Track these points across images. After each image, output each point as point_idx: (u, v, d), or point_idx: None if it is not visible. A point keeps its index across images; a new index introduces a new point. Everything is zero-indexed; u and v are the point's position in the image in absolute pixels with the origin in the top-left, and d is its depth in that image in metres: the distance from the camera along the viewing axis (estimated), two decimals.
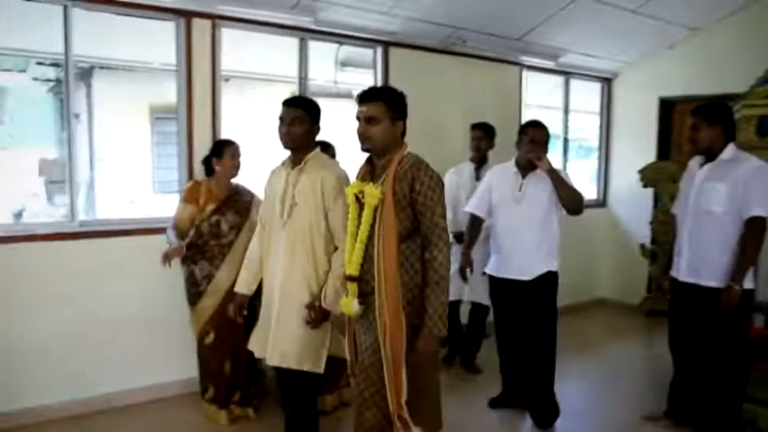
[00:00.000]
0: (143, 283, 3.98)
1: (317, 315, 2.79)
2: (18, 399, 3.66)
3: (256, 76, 6.09)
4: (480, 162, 4.61)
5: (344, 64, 5.42)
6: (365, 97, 2.48)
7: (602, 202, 6.92)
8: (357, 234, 2.48)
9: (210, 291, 3.64)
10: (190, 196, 3.71)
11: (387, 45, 5.01)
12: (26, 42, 5.87)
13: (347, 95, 6.59)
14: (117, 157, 7.03)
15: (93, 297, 3.86)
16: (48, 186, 7.11)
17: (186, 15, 4.06)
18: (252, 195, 3.81)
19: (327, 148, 3.86)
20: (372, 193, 2.41)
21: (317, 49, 4.78)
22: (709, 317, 3.34)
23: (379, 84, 5.01)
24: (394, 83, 4.99)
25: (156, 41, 4.69)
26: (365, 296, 2.48)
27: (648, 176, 5.04)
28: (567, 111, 6.63)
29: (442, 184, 2.47)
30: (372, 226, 2.43)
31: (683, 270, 3.50)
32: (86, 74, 6.75)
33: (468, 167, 4.63)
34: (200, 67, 4.12)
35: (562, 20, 5.17)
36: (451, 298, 4.15)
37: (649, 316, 6.07)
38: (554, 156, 6.57)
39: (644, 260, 5.31)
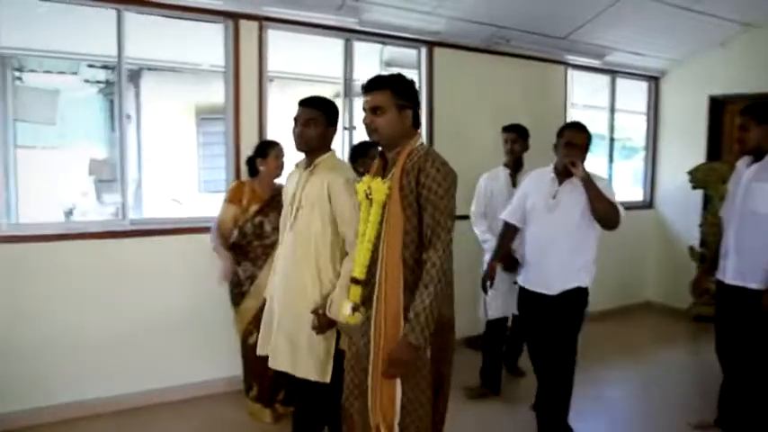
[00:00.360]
0: (189, 282, 4.05)
1: (322, 322, 2.62)
2: (64, 393, 3.77)
3: (300, 77, 6.13)
4: (515, 166, 4.31)
5: (389, 64, 5.43)
6: (370, 86, 2.30)
7: (648, 204, 6.77)
8: (365, 233, 2.32)
9: (253, 291, 3.67)
10: (233, 197, 3.75)
11: (431, 45, 5.00)
12: (78, 45, 6.04)
13: None
14: (163, 157, 7.17)
15: (141, 294, 3.95)
16: (97, 185, 7.29)
17: (234, 17, 4.13)
18: None
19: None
20: (379, 187, 2.26)
21: (360, 49, 4.80)
22: (755, 321, 3.25)
23: (424, 85, 5.01)
24: (438, 83, 5.00)
25: (202, 43, 4.79)
26: (371, 302, 2.29)
27: (699, 178, 4.94)
28: (613, 110, 6.50)
29: (454, 180, 2.25)
30: (381, 224, 2.27)
31: (729, 273, 3.41)
32: (135, 75, 6.91)
33: (504, 173, 4.32)
34: (247, 68, 4.18)
35: (609, 17, 5.07)
36: (497, 315, 4.19)
37: (697, 321, 5.93)
38: (599, 157, 6.48)
39: (693, 263, 5.19)
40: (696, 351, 5.46)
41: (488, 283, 3.60)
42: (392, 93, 2.26)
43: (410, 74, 5.05)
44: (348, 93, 4.72)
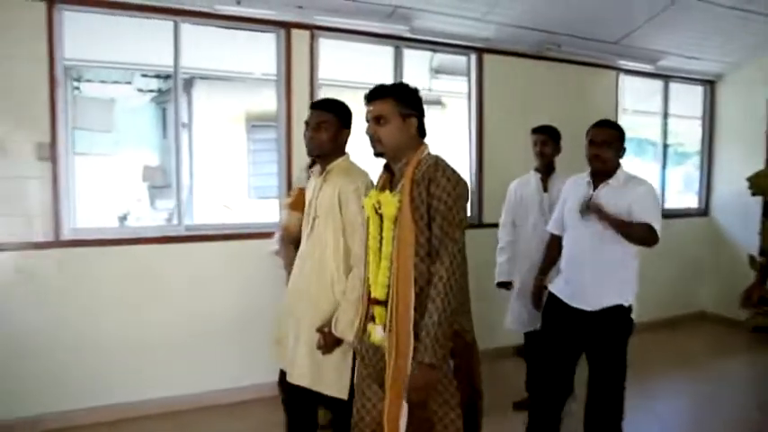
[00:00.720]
0: (241, 286, 4.12)
1: (328, 341, 2.51)
2: (122, 392, 3.88)
3: (349, 84, 6.17)
4: (547, 170, 4.02)
5: (438, 71, 5.43)
6: (372, 95, 2.21)
7: (703, 211, 6.59)
8: (381, 250, 2.19)
9: None
10: (296, 204, 3.76)
11: (480, 51, 4.98)
12: (133, 56, 6.23)
13: (436, 102, 6.63)
14: (214, 164, 7.32)
15: (195, 297, 4.03)
16: (150, 191, 7.48)
17: (286, 27, 4.20)
18: None
19: None
20: (389, 201, 2.15)
21: (410, 56, 4.82)
22: None
23: (473, 91, 4.99)
24: (488, 89, 4.98)
25: (254, 52, 4.88)
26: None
27: (758, 184, 4.78)
28: (666, 116, 6.35)
29: (465, 190, 2.14)
30: (392, 240, 2.16)
31: None
32: (188, 84, 7.06)
33: (534, 177, 4.04)
34: (298, 76, 4.25)
35: (662, 21, 4.97)
36: (535, 327, 4.09)
37: (755, 332, 5.73)
38: (651, 163, 6.35)
39: (752, 272, 5.01)
40: (754, 363, 5.29)
41: (537, 303, 3.49)
42: (395, 101, 2.18)
43: (460, 81, 5.15)
44: None
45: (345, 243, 2.54)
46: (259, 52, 4.56)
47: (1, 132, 3.56)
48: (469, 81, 5.05)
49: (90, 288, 3.78)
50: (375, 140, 2.19)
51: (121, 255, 3.89)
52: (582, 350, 3.09)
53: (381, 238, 2.19)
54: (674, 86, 6.35)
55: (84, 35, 4.17)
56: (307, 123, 2.67)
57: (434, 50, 4.95)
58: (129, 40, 5.23)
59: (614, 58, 5.53)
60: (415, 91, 2.25)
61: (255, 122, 7.27)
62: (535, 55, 5.19)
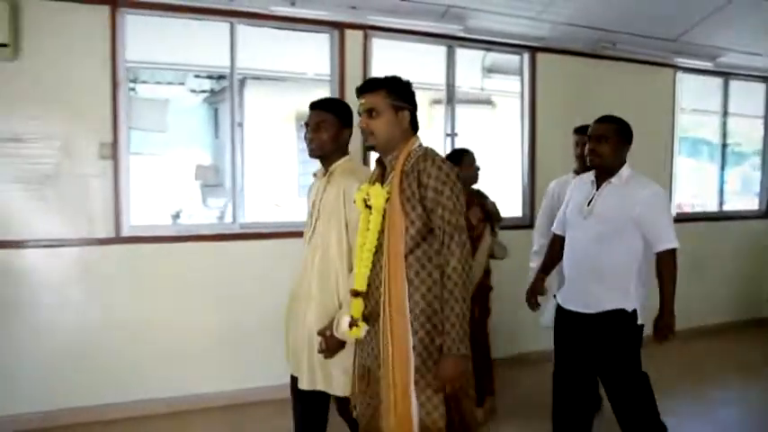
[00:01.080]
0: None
1: (330, 344, 2.43)
2: (172, 387, 3.96)
3: None
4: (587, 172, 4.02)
5: (490, 70, 5.39)
6: (364, 88, 2.21)
7: (764, 213, 6.36)
8: (365, 243, 2.20)
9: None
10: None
11: (534, 50, 4.92)
12: (187, 57, 6.37)
13: (486, 102, 6.57)
14: (264, 162, 7.42)
15: (248, 294, 4.09)
16: (202, 190, 7.63)
17: (340, 27, 4.23)
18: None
19: (465, 155, 3.76)
20: (378, 193, 2.14)
21: (462, 55, 4.80)
22: None
23: (526, 91, 4.94)
24: (541, 89, 4.92)
25: (304, 52, 4.93)
26: (376, 317, 2.18)
27: None
28: (725, 114, 6.16)
29: (456, 178, 2.11)
30: (381, 232, 2.15)
31: None
32: (240, 84, 7.18)
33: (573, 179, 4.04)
34: (351, 76, 4.26)
35: (723, 17, 4.83)
36: None
37: None
38: (709, 164, 6.17)
39: None
40: None
41: (532, 300, 3.31)
42: (387, 93, 2.17)
43: (511, 80, 5.09)
44: (451, 100, 4.72)
45: (349, 243, 2.48)
46: (311, 52, 4.61)
47: (66, 132, 3.68)
48: (522, 80, 5.00)
49: (148, 284, 3.88)
50: (367, 133, 2.18)
51: (178, 252, 3.98)
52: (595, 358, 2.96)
53: (368, 231, 2.20)
54: (735, 84, 6.15)
55: (141, 37, 4.28)
56: (306, 124, 2.61)
57: (487, 50, 4.92)
58: (183, 42, 5.35)
59: (672, 56, 5.40)
60: (408, 84, 2.23)
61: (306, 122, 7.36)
62: (590, 53, 5.10)
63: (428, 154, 2.14)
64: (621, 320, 2.83)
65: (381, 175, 2.25)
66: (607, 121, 2.96)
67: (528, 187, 4.95)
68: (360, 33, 4.28)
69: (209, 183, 7.63)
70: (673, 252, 2.80)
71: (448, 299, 2.04)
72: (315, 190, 2.67)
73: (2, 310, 3.60)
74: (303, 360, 2.56)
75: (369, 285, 2.22)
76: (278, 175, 7.51)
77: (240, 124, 4.23)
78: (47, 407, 3.67)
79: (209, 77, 8.27)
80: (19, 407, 3.62)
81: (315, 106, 2.61)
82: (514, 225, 4.69)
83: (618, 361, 2.87)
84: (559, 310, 3.08)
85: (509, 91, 5.31)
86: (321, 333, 2.46)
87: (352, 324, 2.23)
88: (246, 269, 4.09)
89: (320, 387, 2.54)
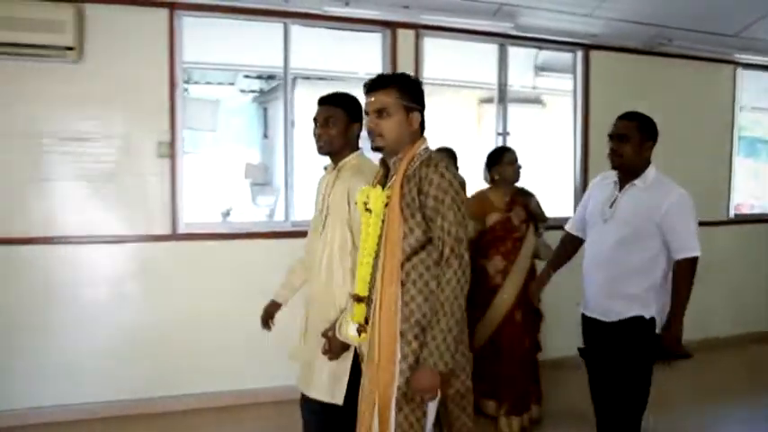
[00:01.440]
0: None
1: (333, 346, 2.35)
2: (224, 381, 4.01)
3: (448, 83, 6.18)
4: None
5: (542, 69, 5.33)
6: (373, 86, 2.05)
7: None
8: (366, 247, 2.12)
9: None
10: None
11: (587, 48, 4.84)
12: (238, 58, 6.47)
13: (536, 101, 6.50)
14: (312, 162, 7.49)
15: (300, 291, 4.11)
16: (252, 188, 7.75)
17: (392, 26, 4.25)
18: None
19: (504, 153, 3.72)
20: (377, 196, 2.05)
21: (513, 54, 4.75)
22: None
23: (579, 89, 4.86)
24: (594, 87, 4.84)
25: (354, 52, 4.95)
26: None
27: None
28: None
29: (459, 187, 2.01)
30: (381, 237, 2.05)
31: None
32: (291, 84, 7.26)
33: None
34: None
35: None
36: None
37: None
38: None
39: None
40: None
41: (534, 296, 3.25)
42: (399, 92, 2.03)
43: (563, 79, 5.02)
44: (502, 98, 4.69)
45: (354, 243, 2.37)
46: (362, 52, 4.63)
47: (125, 132, 3.79)
48: (575, 79, 4.92)
49: (202, 281, 3.96)
50: (376, 134, 2.04)
51: (230, 249, 4.05)
52: None
53: (368, 234, 2.11)
54: None
55: (194, 39, 4.37)
56: (315, 120, 2.51)
57: (540, 48, 4.87)
58: (234, 43, 5.44)
59: (732, 52, 5.23)
60: (419, 83, 2.11)
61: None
62: (645, 50, 4.98)
63: (431, 160, 2.02)
64: (638, 328, 2.69)
65: (385, 177, 2.14)
66: (628, 118, 2.79)
67: (580, 187, 4.86)
68: (411, 33, 4.29)
69: (258, 181, 7.75)
70: (693, 261, 2.63)
71: (437, 311, 1.93)
72: (324, 184, 2.59)
73: (62, 305, 3.73)
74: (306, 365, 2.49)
75: (370, 290, 2.12)
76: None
77: (293, 123, 4.28)
78: (106, 397, 3.78)
79: (259, 77, 8.37)
80: (80, 396, 3.75)
81: (323, 101, 2.52)
82: None
83: (626, 368, 2.72)
84: (583, 317, 2.95)
85: (561, 89, 5.25)
86: (324, 335, 2.39)
87: (361, 330, 2.16)
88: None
89: (302, 388, 2.49)
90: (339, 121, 2.45)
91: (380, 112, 2.02)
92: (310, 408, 2.51)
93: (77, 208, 3.75)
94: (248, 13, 4.01)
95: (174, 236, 3.90)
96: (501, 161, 3.67)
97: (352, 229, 2.37)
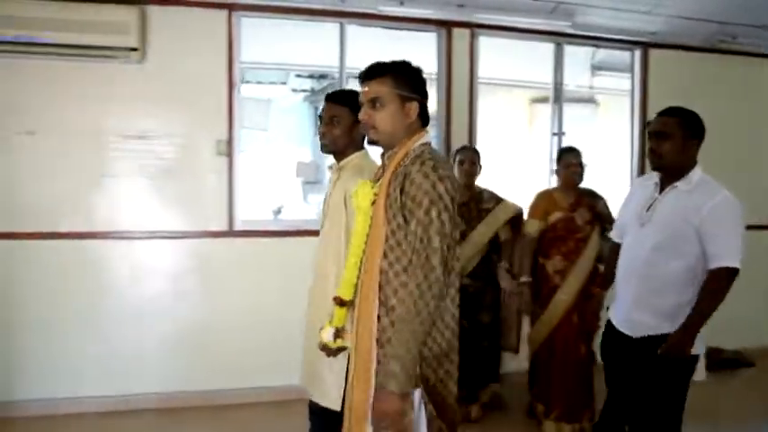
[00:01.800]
0: None
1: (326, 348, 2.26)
2: (277, 377, 4.02)
3: (502, 82, 6.12)
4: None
5: (599, 68, 5.24)
6: (368, 74, 1.90)
7: None
8: (353, 248, 1.99)
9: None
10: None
11: (646, 46, 4.73)
12: (291, 57, 6.55)
13: (589, 100, 6.38)
14: None
15: None
16: (303, 186, 7.81)
17: (447, 26, 4.24)
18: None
19: (562, 154, 3.69)
20: (364, 193, 1.91)
21: (569, 53, 4.69)
22: None
23: (637, 88, 4.76)
24: (652, 86, 4.75)
25: (404, 50, 4.94)
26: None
27: None
28: None
29: (446, 190, 1.77)
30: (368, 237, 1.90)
31: None
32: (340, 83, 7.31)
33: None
34: (458, 74, 4.27)
35: None
36: None
37: None
38: None
39: None
40: None
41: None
42: (394, 81, 1.86)
43: (622, 78, 4.91)
44: (558, 98, 4.63)
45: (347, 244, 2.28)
46: (413, 51, 4.61)
47: (185, 130, 3.89)
48: (633, 78, 4.82)
49: (257, 277, 4.03)
50: (369, 127, 1.90)
51: (284, 246, 4.11)
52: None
53: (357, 234, 1.98)
54: None
55: (248, 39, 4.45)
56: (320, 117, 2.45)
57: (597, 46, 4.79)
58: (288, 43, 5.51)
59: None
60: (418, 71, 1.94)
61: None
62: (707, 48, 4.84)
63: (421, 157, 1.83)
64: None
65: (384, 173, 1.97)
66: (669, 113, 2.52)
67: None
68: (467, 32, 4.28)
69: (310, 180, 7.81)
70: (729, 272, 2.33)
71: (397, 325, 1.75)
72: (330, 184, 2.53)
73: (123, 298, 3.85)
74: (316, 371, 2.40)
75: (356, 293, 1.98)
76: None
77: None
78: (163, 389, 3.90)
79: (311, 77, 8.45)
80: (138, 387, 3.87)
81: (329, 99, 2.46)
82: None
83: (656, 397, 2.45)
84: (609, 325, 2.72)
85: (617, 89, 5.14)
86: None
87: (338, 335, 2.07)
88: None
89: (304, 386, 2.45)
90: (344, 120, 2.37)
91: (374, 103, 1.87)
92: (312, 407, 2.46)
93: (138, 204, 3.87)
94: (305, 14, 4.07)
95: (231, 232, 3.98)
96: (559, 162, 3.64)
97: (348, 231, 2.23)
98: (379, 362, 1.80)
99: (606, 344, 2.74)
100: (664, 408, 2.46)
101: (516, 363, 4.11)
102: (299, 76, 8.46)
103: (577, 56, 4.93)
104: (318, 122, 2.45)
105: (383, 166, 1.97)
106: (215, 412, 3.88)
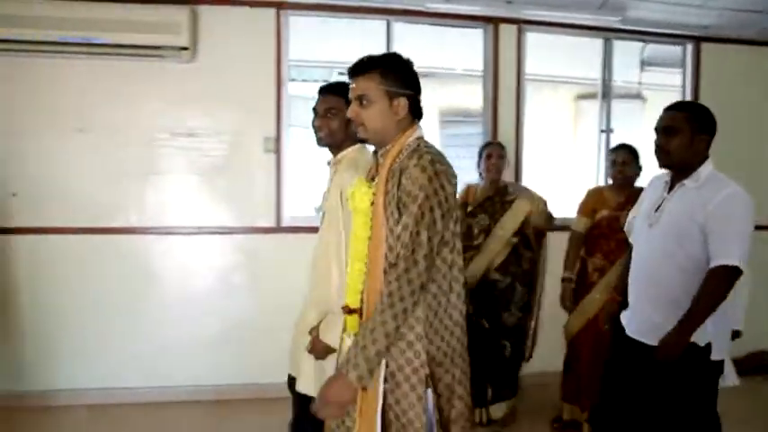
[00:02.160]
0: None
1: (317, 347, 2.21)
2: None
3: (549, 78, 6.04)
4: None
5: (649, 63, 5.13)
6: (354, 70, 1.84)
7: None
8: (356, 252, 1.92)
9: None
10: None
11: (698, 40, 4.61)
12: (336, 54, 6.57)
13: (636, 96, 6.26)
14: None
15: None
16: None
17: (493, 22, 4.22)
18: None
19: (612, 152, 3.61)
20: (362, 193, 1.86)
21: (618, 48, 4.61)
22: None
23: (689, 84, 4.65)
24: (706, 82, 4.64)
25: (449, 47, 4.93)
26: None
27: None
28: None
29: (442, 185, 1.72)
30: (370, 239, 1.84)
31: None
32: None
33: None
34: (505, 71, 4.24)
35: None
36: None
37: None
38: None
39: None
40: None
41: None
42: (381, 77, 1.79)
43: (673, 73, 4.80)
44: (606, 94, 4.56)
45: (346, 243, 2.18)
46: (459, 47, 4.61)
47: (234, 127, 3.95)
48: (684, 73, 4.70)
49: (304, 272, 4.04)
50: (357, 124, 1.84)
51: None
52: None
53: (356, 237, 1.91)
54: None
55: (294, 36, 4.49)
56: (315, 110, 2.37)
57: (646, 41, 4.69)
58: (333, 40, 5.54)
59: None
60: (408, 64, 1.86)
61: (448, 117, 7.40)
62: (763, 42, 4.70)
63: (417, 151, 1.77)
64: (690, 357, 2.22)
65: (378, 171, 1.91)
66: (676, 108, 2.41)
67: None
68: (514, 28, 4.24)
69: None
70: (729, 270, 2.17)
71: (372, 317, 1.68)
72: (327, 180, 2.46)
73: (172, 293, 3.95)
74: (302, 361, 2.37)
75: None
76: None
77: None
78: (211, 381, 3.98)
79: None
80: (186, 379, 3.96)
81: (324, 91, 2.37)
82: None
83: (683, 411, 2.28)
84: (617, 332, 2.56)
85: (666, 85, 5.03)
86: (309, 333, 2.27)
87: None
88: None
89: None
90: (341, 112, 2.23)
91: (361, 100, 1.81)
92: (294, 392, 2.44)
93: (188, 200, 3.95)
94: (352, 11, 4.10)
95: (278, 228, 4.04)
96: (607, 160, 3.59)
97: (345, 227, 2.16)
98: (387, 371, 1.76)
99: (615, 351, 2.59)
100: (693, 418, 2.31)
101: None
102: (341, 73, 8.51)
103: (626, 51, 4.83)
104: (313, 116, 2.39)
105: (377, 164, 1.91)
106: (262, 405, 3.90)
